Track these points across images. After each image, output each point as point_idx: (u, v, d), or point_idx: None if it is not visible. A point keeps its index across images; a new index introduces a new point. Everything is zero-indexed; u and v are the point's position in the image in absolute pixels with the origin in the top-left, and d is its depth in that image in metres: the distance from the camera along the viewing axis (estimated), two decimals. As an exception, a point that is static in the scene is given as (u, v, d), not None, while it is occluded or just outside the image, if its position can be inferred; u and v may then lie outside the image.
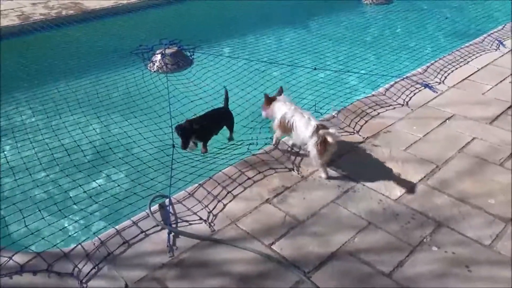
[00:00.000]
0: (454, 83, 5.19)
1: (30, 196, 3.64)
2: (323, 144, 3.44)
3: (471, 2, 9.14)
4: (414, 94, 4.95)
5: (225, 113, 4.64)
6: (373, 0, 9.43)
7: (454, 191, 3.45)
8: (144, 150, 4.29)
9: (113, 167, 4.13)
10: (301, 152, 3.90)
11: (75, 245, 2.97)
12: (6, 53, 6.89)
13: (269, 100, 3.97)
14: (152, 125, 4.68)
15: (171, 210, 3.30)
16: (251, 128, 4.64)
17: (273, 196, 3.46)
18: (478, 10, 8.67)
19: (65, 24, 8.10)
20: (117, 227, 3.13)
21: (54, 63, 6.72)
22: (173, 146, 4.17)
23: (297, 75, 5.83)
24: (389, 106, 4.72)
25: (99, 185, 3.95)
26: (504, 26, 6.98)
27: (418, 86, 5.10)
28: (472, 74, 5.39)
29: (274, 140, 4.07)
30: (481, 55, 5.92)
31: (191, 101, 5.14)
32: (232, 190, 3.53)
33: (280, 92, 4.05)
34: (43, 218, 3.33)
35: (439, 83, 5.19)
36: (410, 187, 3.50)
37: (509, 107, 4.59)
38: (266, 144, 4.13)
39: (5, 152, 4.43)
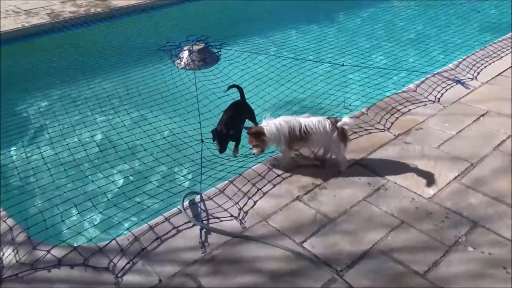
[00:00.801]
0: (487, 79, 5.06)
1: (65, 192, 3.71)
2: (344, 134, 3.47)
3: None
4: (446, 90, 4.85)
5: (244, 104, 4.53)
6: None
7: (489, 190, 3.37)
8: (174, 146, 4.33)
9: (144, 163, 4.19)
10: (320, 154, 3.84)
11: (110, 240, 3.03)
12: (37, 51, 7.06)
13: (257, 132, 3.52)
14: (181, 121, 4.73)
15: (202, 207, 3.33)
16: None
17: (303, 193, 3.45)
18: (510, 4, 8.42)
19: (94, 22, 8.23)
20: (149, 223, 3.18)
21: (83, 60, 6.84)
22: (202, 141, 4.19)
23: (325, 71, 5.78)
24: (420, 102, 4.64)
25: (132, 182, 4.00)
26: (539, 20, 6.77)
27: (449, 82, 5.00)
28: (506, 69, 5.25)
29: (284, 163, 3.73)
30: (515, 50, 5.76)
31: (219, 98, 5.16)
32: (262, 187, 3.54)
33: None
34: (79, 213, 3.41)
35: (472, 79, 5.07)
36: (443, 186, 3.43)
37: (545, 104, 4.46)
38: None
39: (40, 148, 4.53)
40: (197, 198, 3.42)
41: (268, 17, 8.74)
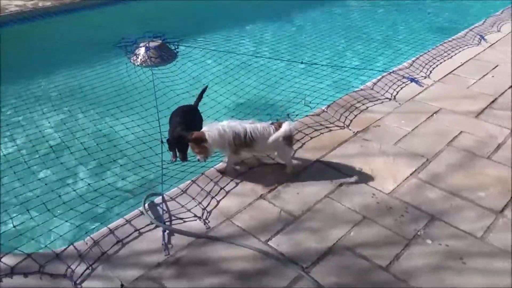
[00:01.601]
0: (439, 77, 5.26)
1: (15, 196, 3.51)
2: (289, 138, 3.45)
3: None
4: (401, 88, 5.00)
5: (197, 111, 4.29)
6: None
7: (445, 184, 3.50)
8: (132, 147, 4.20)
9: (101, 164, 4.04)
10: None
11: (67, 246, 2.89)
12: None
13: (198, 138, 3.39)
14: (139, 119, 4.60)
15: (164, 208, 3.25)
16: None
17: (267, 191, 3.44)
18: (460, 5, 8.83)
19: (42, 17, 7.87)
20: (110, 226, 3.06)
21: (32, 56, 6.51)
22: (162, 142, 4.09)
23: (285, 69, 5.82)
24: (377, 100, 4.75)
25: (88, 184, 3.84)
26: (485, 21, 7.12)
27: (404, 80, 5.16)
28: (456, 68, 5.48)
29: (229, 168, 3.64)
30: (464, 49, 6.03)
31: (177, 95, 5.07)
32: (225, 186, 3.50)
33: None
34: (31, 218, 3.23)
35: (425, 77, 5.26)
36: (402, 181, 3.53)
37: (493, 101, 4.69)
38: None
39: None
40: (159, 199, 3.34)
41: (226, 16, 8.69)
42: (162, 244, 2.93)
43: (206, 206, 3.28)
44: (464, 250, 2.91)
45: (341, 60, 6.17)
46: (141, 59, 6.25)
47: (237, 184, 3.53)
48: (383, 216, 3.20)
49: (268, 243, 2.97)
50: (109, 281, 2.69)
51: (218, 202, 3.34)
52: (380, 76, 5.25)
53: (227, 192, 3.44)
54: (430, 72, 5.39)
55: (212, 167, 3.71)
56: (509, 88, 4.95)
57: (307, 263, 2.81)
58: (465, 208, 3.26)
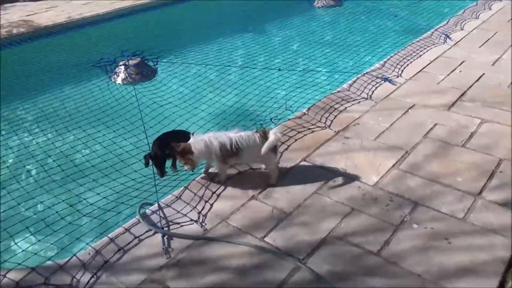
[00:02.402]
0: (410, 75, 5.54)
1: (13, 215, 3.56)
2: (273, 146, 3.52)
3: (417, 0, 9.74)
4: (376, 88, 5.24)
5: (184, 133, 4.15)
6: (324, 3, 9.83)
7: (425, 172, 3.71)
8: (122, 161, 4.29)
9: (94, 180, 4.11)
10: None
11: (70, 257, 2.96)
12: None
13: (184, 150, 3.44)
14: (126, 133, 4.70)
15: (161, 214, 3.36)
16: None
17: (258, 192, 3.58)
18: (424, 7, 9.25)
19: (18, 43, 7.90)
20: (109, 235, 3.14)
21: (13, 81, 6.54)
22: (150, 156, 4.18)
23: (263, 76, 6.01)
24: (354, 100, 4.98)
25: (84, 199, 3.89)
26: (448, 21, 7.51)
27: (378, 80, 5.41)
28: (426, 66, 5.79)
29: (222, 177, 3.71)
30: (431, 48, 6.36)
31: (161, 106, 5.21)
32: (216, 190, 3.63)
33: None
34: (32, 234, 3.29)
35: (397, 76, 5.53)
36: (384, 173, 3.73)
37: (462, 94, 4.97)
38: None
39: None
40: (155, 206, 3.44)
41: (203, 29, 8.89)
42: (162, 248, 3.04)
43: (201, 210, 3.40)
44: (448, 231, 3.11)
45: (316, 65, 6.41)
46: (121, 77, 6.35)
47: (226, 187, 3.66)
48: (370, 206, 3.38)
49: (264, 239, 3.11)
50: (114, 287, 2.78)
51: (212, 205, 3.46)
52: (356, 78, 5.49)
53: (219, 196, 3.57)
54: (402, 71, 5.66)
55: (201, 173, 3.83)
56: (475, 81, 5.26)
57: (303, 255, 2.96)
58: (445, 193, 3.47)
